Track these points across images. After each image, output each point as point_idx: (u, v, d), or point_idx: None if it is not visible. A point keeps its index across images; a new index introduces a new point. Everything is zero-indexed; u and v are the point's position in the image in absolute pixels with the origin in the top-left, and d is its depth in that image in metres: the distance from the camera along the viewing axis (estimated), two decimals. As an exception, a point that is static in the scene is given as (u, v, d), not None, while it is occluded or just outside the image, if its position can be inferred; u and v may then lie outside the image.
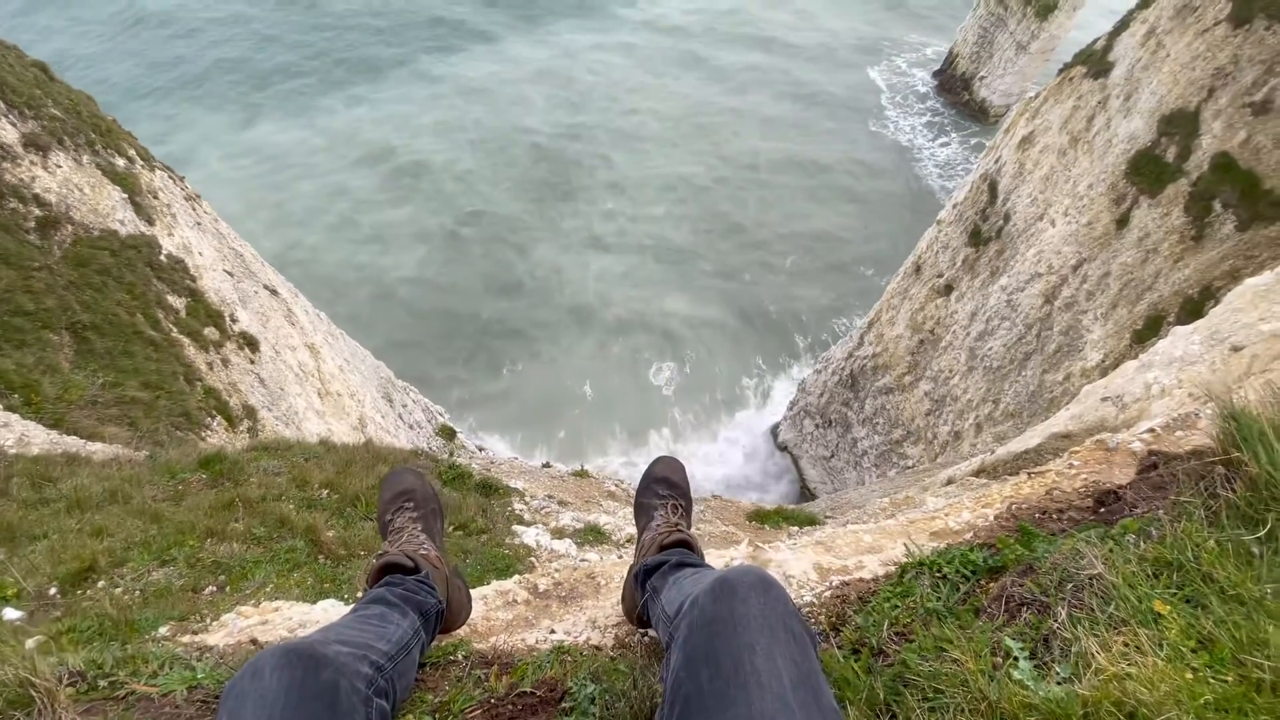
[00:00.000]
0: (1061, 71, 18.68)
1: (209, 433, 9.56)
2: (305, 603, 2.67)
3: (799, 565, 2.38)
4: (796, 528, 8.43)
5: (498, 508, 6.43)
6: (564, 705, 1.61)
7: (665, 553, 1.93)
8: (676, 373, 31.54)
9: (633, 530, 5.92)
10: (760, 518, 9.18)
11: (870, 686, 1.44)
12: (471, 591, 2.33)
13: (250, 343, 12.31)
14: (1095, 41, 18.20)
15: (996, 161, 20.09)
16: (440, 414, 22.27)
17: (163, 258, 11.36)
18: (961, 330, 20.50)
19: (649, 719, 1.50)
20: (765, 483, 28.12)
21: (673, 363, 31.82)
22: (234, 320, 12.25)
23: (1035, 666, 1.36)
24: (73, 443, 6.94)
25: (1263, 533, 1.48)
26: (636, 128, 43.32)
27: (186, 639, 2.33)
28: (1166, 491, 1.84)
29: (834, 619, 1.85)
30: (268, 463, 5.96)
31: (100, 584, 3.99)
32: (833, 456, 26.27)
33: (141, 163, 12.68)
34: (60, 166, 10.39)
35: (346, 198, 38.26)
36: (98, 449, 6.91)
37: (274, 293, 14.92)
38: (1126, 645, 1.31)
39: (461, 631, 2.17)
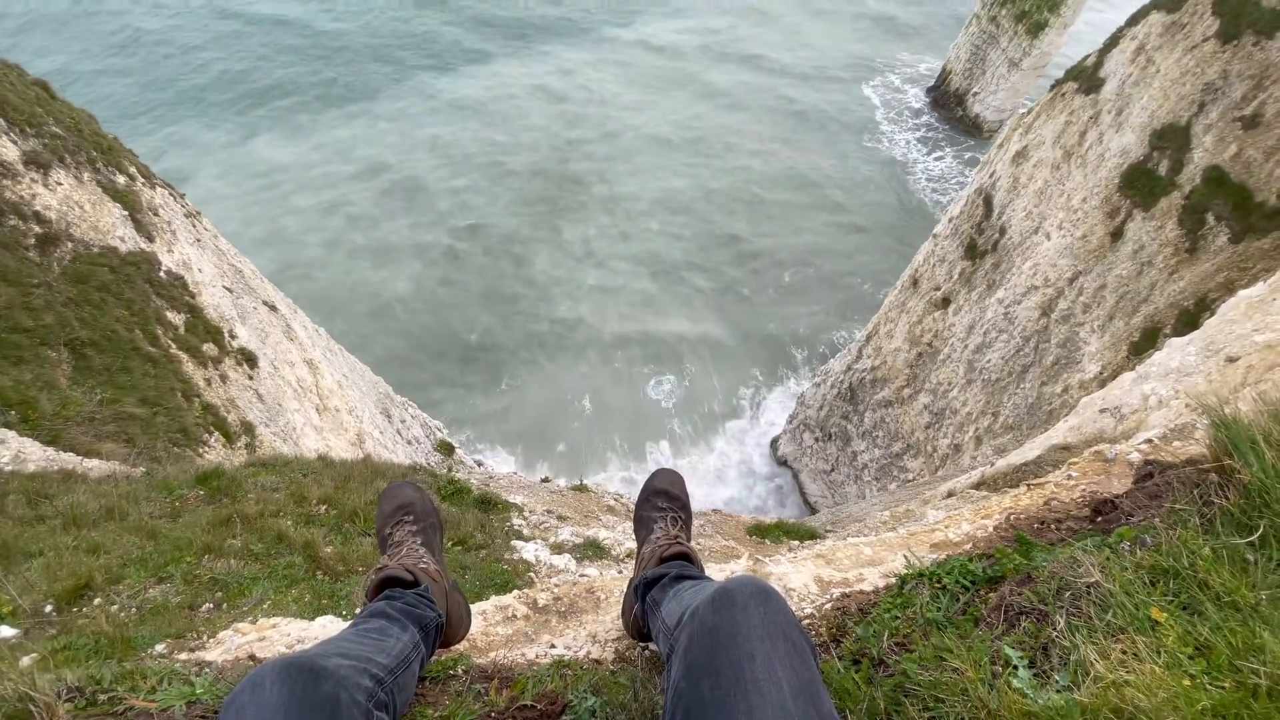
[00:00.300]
0: (1054, 87, 18.92)
1: (206, 449, 9.53)
2: (303, 619, 2.65)
3: (799, 578, 2.38)
4: (797, 541, 8.38)
5: (496, 523, 6.40)
6: (564, 718, 1.61)
7: (665, 565, 1.93)
8: (676, 385, 31.56)
9: (632, 545, 5.90)
10: (760, 532, 9.12)
11: (871, 697, 1.44)
12: (471, 607, 2.32)
13: (249, 359, 12.30)
14: (1086, 58, 18.46)
15: (991, 176, 20.26)
16: (439, 429, 22.23)
17: (162, 274, 11.39)
18: (960, 343, 20.55)
19: (650, 731, 1.50)
20: (765, 498, 28.04)
21: (672, 376, 31.85)
22: (233, 336, 12.25)
23: (1034, 675, 1.37)
24: (69, 459, 6.93)
25: (1256, 539, 1.49)
26: (630, 144, 43.71)
27: (184, 656, 2.31)
28: (1162, 500, 1.85)
29: (834, 630, 1.85)
30: (265, 479, 5.94)
31: (96, 601, 3.97)
32: (833, 470, 26.20)
33: (142, 180, 12.74)
34: (61, 184, 10.45)
35: (343, 214, 38.47)
36: (95, 465, 6.89)
37: (273, 308, 14.95)
38: (1124, 652, 1.32)
39: (461, 646, 2.16)
